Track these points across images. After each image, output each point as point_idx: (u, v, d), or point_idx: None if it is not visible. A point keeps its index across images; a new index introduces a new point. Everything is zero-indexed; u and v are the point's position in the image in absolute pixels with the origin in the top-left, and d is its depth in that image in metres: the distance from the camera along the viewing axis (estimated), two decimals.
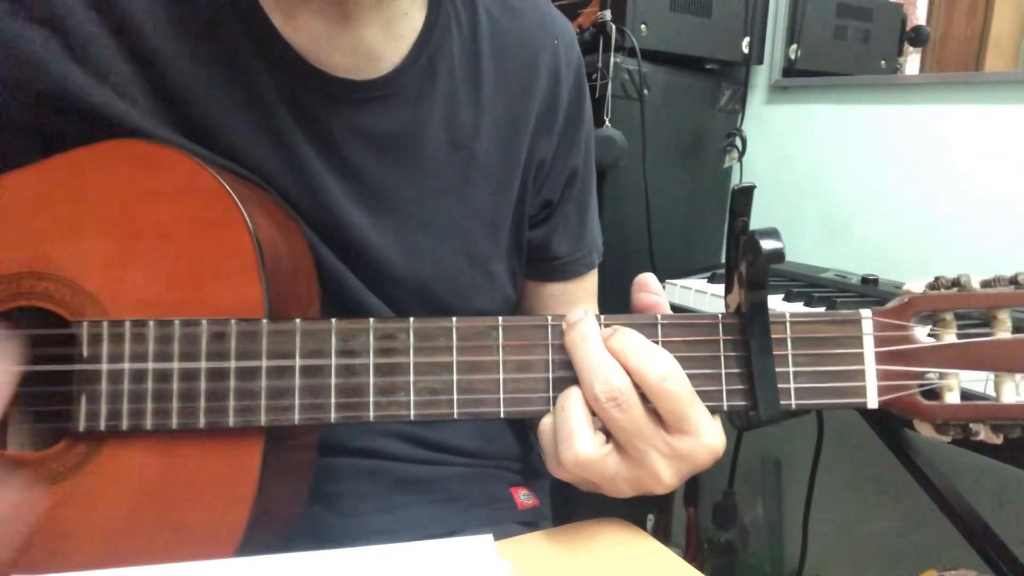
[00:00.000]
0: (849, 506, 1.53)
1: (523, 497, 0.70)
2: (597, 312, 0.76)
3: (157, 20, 0.53)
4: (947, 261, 1.35)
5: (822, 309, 1.08)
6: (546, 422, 0.46)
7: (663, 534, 1.72)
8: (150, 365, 0.46)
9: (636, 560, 0.49)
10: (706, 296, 1.21)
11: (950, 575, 1.05)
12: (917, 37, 1.50)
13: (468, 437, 0.68)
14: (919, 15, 1.52)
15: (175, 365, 0.46)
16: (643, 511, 1.66)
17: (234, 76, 0.54)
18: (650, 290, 0.50)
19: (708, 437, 0.45)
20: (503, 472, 0.71)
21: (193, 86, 0.53)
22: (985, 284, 0.46)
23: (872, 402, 0.46)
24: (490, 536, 0.41)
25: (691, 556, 1.71)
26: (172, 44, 0.53)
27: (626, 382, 0.44)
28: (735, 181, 1.60)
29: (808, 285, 1.21)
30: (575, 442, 0.44)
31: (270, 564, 0.39)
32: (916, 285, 0.47)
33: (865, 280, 1.21)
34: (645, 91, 1.39)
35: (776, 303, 1.11)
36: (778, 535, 1.67)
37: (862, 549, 1.53)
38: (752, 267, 0.43)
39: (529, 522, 0.68)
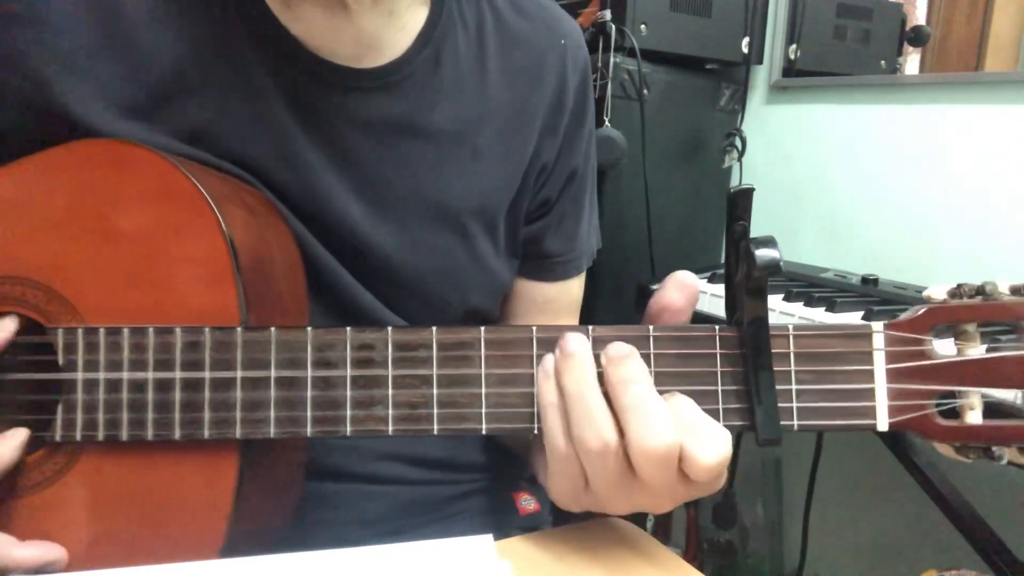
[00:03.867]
0: (849, 506, 1.53)
1: (524, 502, 0.70)
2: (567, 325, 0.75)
3: (151, 15, 0.52)
4: (947, 261, 1.35)
5: (822, 309, 1.08)
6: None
7: (663, 534, 1.72)
8: (125, 375, 0.45)
9: (636, 560, 0.49)
10: (706, 296, 1.21)
11: (950, 575, 1.05)
12: (917, 37, 1.50)
13: (468, 452, 0.67)
14: (919, 15, 1.52)
15: (149, 375, 0.45)
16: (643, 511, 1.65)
17: (228, 65, 0.54)
18: (681, 293, 0.47)
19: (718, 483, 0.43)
20: (504, 480, 0.70)
21: (183, 82, 0.53)
22: (1015, 291, 0.42)
23: (882, 424, 0.43)
24: (490, 536, 0.41)
25: (691, 556, 1.71)
26: (165, 36, 0.52)
27: (677, 443, 0.41)
28: (735, 181, 1.60)
29: (808, 285, 1.21)
30: (599, 425, 0.41)
31: (269, 564, 0.39)
32: (937, 291, 0.43)
33: (865, 280, 1.20)
34: (645, 91, 1.39)
35: (776, 303, 1.11)
36: (778, 535, 1.67)
37: (862, 549, 1.53)
38: (750, 278, 0.41)
39: (530, 528, 0.68)
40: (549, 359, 0.44)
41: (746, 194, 0.43)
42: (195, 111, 0.53)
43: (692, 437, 0.41)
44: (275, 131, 0.55)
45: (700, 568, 0.49)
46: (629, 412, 0.41)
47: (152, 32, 0.52)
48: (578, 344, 0.43)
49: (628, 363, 0.42)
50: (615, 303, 1.43)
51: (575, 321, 0.76)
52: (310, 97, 0.55)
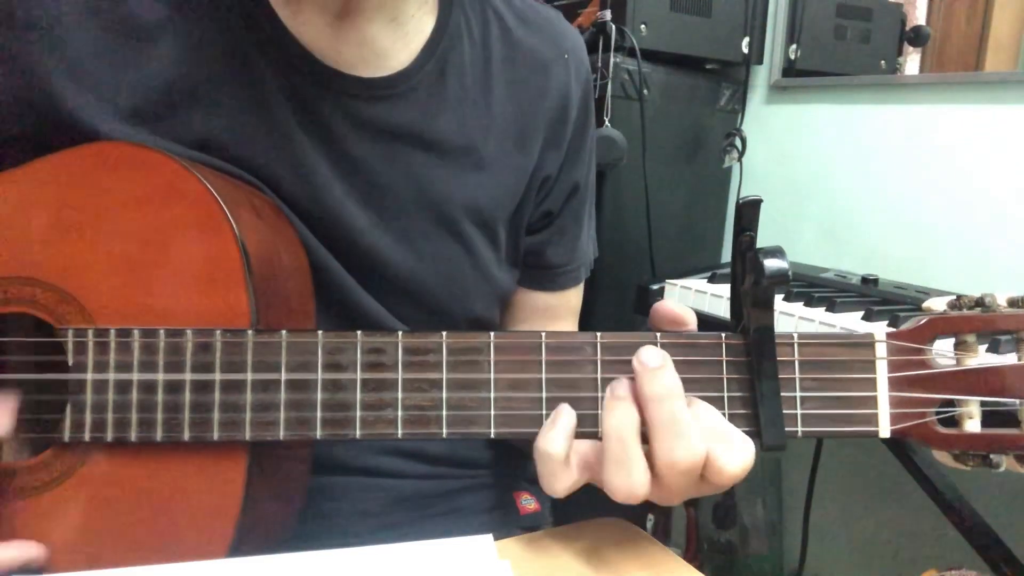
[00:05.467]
0: (849, 506, 1.53)
1: (524, 502, 0.70)
2: (576, 331, 0.76)
3: (158, 21, 0.52)
4: (947, 261, 1.35)
5: (822, 309, 1.08)
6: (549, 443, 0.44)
7: (663, 534, 1.72)
8: (135, 376, 0.45)
9: (636, 560, 0.49)
10: (706, 296, 1.21)
11: (950, 575, 1.05)
12: (917, 37, 1.50)
13: (469, 448, 0.68)
14: (919, 15, 1.52)
15: (160, 376, 0.45)
16: (643, 511, 1.65)
17: (235, 73, 0.54)
18: (680, 321, 0.47)
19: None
20: (504, 478, 0.70)
21: (190, 89, 0.53)
22: (1012, 303, 0.43)
23: (884, 431, 0.44)
24: (490, 536, 0.41)
25: (691, 556, 1.71)
26: (171, 46, 0.53)
27: (703, 453, 0.41)
28: (735, 181, 1.60)
29: (808, 285, 1.21)
30: (632, 474, 0.42)
31: (269, 564, 0.39)
32: (937, 303, 0.44)
33: (865, 280, 1.20)
34: (645, 91, 1.39)
35: (776, 303, 1.11)
36: (778, 535, 1.66)
37: (862, 549, 1.53)
38: (757, 287, 0.42)
39: (531, 527, 0.68)
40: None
41: (754, 205, 0.43)
42: (202, 119, 0.53)
43: (721, 446, 0.42)
44: (282, 139, 0.55)
45: (700, 568, 0.49)
46: (661, 426, 0.41)
47: (160, 40, 0.53)
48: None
49: (662, 376, 0.42)
50: (615, 303, 1.43)
51: (575, 326, 0.76)
52: (317, 106, 0.56)
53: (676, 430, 0.41)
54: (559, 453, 0.43)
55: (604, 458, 0.42)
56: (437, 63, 0.59)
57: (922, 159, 1.38)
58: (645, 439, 0.42)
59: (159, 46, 0.52)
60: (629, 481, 0.42)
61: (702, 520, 1.72)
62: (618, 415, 0.42)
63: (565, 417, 0.43)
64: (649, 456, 0.42)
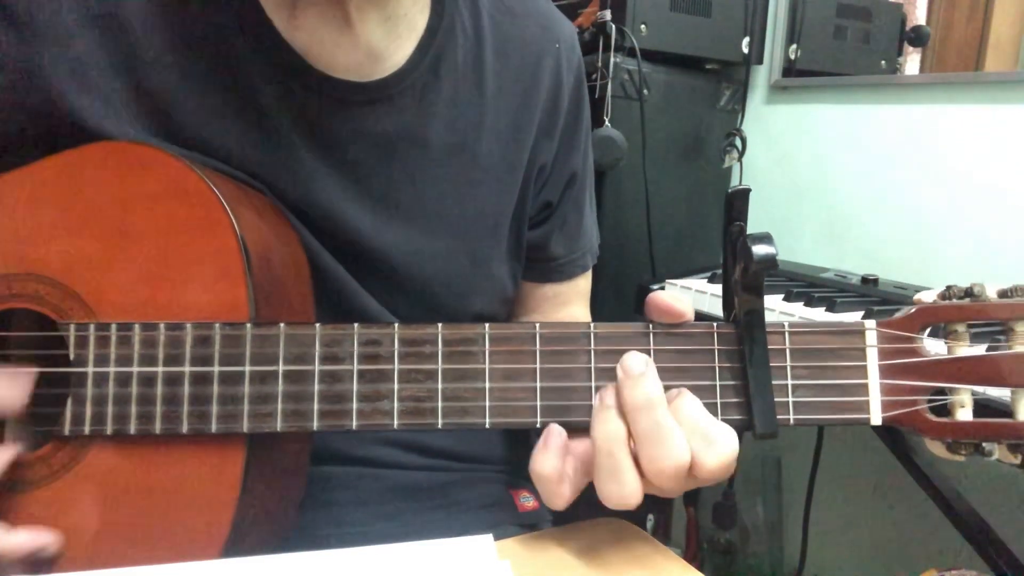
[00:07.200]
0: (849, 506, 1.53)
1: (523, 499, 0.70)
2: (588, 316, 0.77)
3: (153, 28, 0.53)
4: (947, 261, 1.35)
5: (822, 309, 1.08)
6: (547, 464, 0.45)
7: (663, 534, 1.72)
8: (135, 369, 0.45)
9: (636, 560, 0.49)
10: (706, 296, 1.21)
11: (950, 575, 1.05)
12: (917, 37, 1.50)
13: (469, 442, 0.68)
14: (919, 15, 1.52)
15: (159, 369, 0.45)
16: (643, 511, 1.66)
17: (231, 83, 0.54)
18: (675, 314, 0.46)
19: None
20: (504, 475, 0.70)
21: (187, 96, 0.53)
22: (1002, 294, 0.43)
23: (876, 418, 0.44)
24: (490, 536, 0.41)
25: (691, 556, 1.71)
26: (167, 53, 0.53)
27: (689, 457, 0.42)
28: (735, 181, 1.60)
29: (808, 285, 1.21)
30: (624, 485, 0.43)
31: (269, 564, 0.39)
32: (927, 295, 0.45)
33: (865, 280, 1.20)
34: (645, 91, 1.39)
35: (776, 303, 1.11)
36: (778, 535, 1.67)
37: (862, 549, 1.53)
38: (746, 274, 0.42)
39: (530, 524, 0.68)
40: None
41: (743, 195, 0.44)
42: (197, 124, 0.54)
43: (702, 445, 0.42)
44: (278, 144, 0.55)
45: (700, 568, 0.49)
46: (645, 436, 0.42)
47: (157, 47, 0.53)
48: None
49: (643, 384, 0.43)
50: (615, 303, 1.43)
51: (587, 309, 0.77)
52: (312, 111, 0.56)
53: (659, 437, 0.42)
54: (554, 473, 0.44)
55: (596, 468, 0.44)
56: (431, 61, 0.60)
57: (922, 159, 1.38)
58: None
59: (153, 50, 0.53)
60: (620, 491, 0.43)
61: (702, 520, 1.72)
62: (607, 427, 0.43)
63: (555, 437, 0.45)
64: (637, 462, 0.43)
